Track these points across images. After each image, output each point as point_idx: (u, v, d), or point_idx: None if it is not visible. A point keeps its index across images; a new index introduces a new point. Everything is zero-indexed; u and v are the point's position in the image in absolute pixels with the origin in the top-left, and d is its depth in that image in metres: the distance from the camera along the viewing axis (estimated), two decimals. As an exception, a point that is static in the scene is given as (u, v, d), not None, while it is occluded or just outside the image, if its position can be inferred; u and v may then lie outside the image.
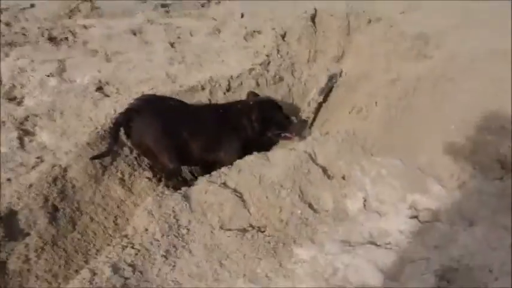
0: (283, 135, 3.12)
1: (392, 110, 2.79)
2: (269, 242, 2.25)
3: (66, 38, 3.86)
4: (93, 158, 2.69)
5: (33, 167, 2.70)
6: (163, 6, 4.49)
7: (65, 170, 2.64)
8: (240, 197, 2.44)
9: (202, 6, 4.52)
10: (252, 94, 3.18)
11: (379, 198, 2.44)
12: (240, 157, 2.75)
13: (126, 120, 2.68)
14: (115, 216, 2.67)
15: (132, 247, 2.22)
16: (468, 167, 2.55)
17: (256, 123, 3.03)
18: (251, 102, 3.07)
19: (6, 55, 3.64)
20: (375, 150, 2.67)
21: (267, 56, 3.44)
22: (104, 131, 2.87)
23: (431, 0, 4.15)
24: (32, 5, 4.49)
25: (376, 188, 2.47)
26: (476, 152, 2.61)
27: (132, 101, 2.77)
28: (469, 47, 3.19)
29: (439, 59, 3.14)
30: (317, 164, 2.57)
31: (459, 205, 2.36)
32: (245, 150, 2.84)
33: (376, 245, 2.23)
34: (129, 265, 2.14)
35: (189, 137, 2.78)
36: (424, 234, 2.25)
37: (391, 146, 2.67)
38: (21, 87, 3.34)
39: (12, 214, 2.47)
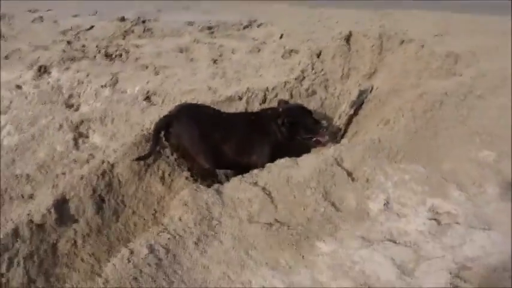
0: (314, 139, 3.27)
1: (417, 121, 2.91)
2: (292, 235, 2.41)
3: (120, 55, 4.26)
4: (137, 159, 2.97)
5: (85, 163, 3.01)
6: (208, 28, 4.85)
7: (113, 166, 2.92)
8: (269, 194, 2.63)
9: (244, 28, 4.84)
10: (283, 102, 3.37)
11: (400, 201, 2.55)
12: (272, 161, 2.94)
13: (165, 125, 2.99)
14: (154, 210, 2.91)
15: (168, 232, 2.43)
16: (491, 175, 2.63)
17: (284, 128, 3.20)
18: (280, 108, 3.27)
19: (67, 68, 4.07)
20: (399, 158, 2.79)
21: (302, 71, 3.66)
22: (149, 133, 3.15)
23: (461, 25, 4.31)
24: (92, 27, 4.98)
25: (398, 192, 2.59)
26: (500, 162, 2.69)
27: (171, 109, 3.07)
28: (499, 67, 3.30)
29: (468, 77, 3.26)
30: (342, 168, 2.72)
31: (478, 210, 2.44)
32: (277, 154, 3.02)
33: (394, 242, 2.34)
34: (164, 247, 2.35)
35: (222, 141, 3.03)
36: (441, 235, 2.34)
37: (415, 154, 2.79)
38: (78, 96, 3.73)
39: (64, 202, 2.77)
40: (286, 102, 3.39)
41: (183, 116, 2.99)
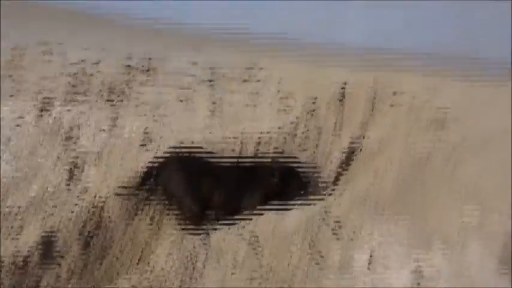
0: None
1: (405, 173, 2.96)
2: (276, 288, 2.41)
3: (121, 100, 4.37)
4: (125, 194, 3.05)
5: (77, 197, 3.06)
6: (209, 80, 4.99)
7: (103, 206, 2.96)
8: (254, 245, 2.65)
9: (244, 81, 4.97)
10: (278, 153, 3.48)
11: (385, 253, 2.56)
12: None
13: (156, 169, 3.10)
14: (141, 252, 2.91)
15: (148, 281, 2.44)
16: (475, 233, 2.64)
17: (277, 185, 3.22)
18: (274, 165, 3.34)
19: (70, 105, 4.15)
20: (386, 212, 2.81)
21: (297, 118, 3.76)
22: (141, 177, 3.21)
23: (452, 86, 4.42)
24: (97, 71, 5.11)
25: (383, 247, 2.60)
26: (484, 225, 2.69)
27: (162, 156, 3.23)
28: (486, 126, 3.36)
29: (455, 133, 3.31)
30: (330, 217, 2.75)
31: (462, 270, 2.44)
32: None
33: (377, 296, 2.34)
34: (146, 290, 2.36)
35: (210, 191, 3.08)
36: (425, 292, 2.34)
37: (401, 207, 2.82)
38: (77, 137, 3.81)
39: (52, 238, 2.80)
40: (281, 152, 3.49)
41: (172, 162, 3.16)
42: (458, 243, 2.58)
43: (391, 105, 3.78)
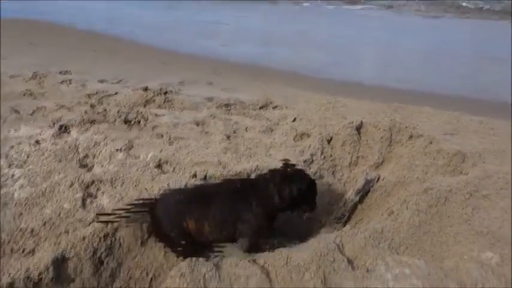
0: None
1: (422, 215, 2.94)
2: (287, 320, 2.37)
3: (139, 122, 4.44)
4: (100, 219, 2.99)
5: (89, 224, 3.05)
6: (226, 105, 5.07)
7: (116, 229, 2.95)
8: (267, 274, 2.62)
9: (260, 108, 5.06)
10: (288, 164, 3.15)
11: (399, 294, 2.52)
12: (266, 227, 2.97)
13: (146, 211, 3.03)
14: (151, 278, 2.88)
15: (161, 304, 2.41)
16: (493, 279, 2.61)
17: (290, 194, 3.00)
18: (288, 170, 3.08)
19: (86, 130, 4.24)
20: (401, 250, 2.79)
21: (311, 155, 3.76)
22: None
23: (470, 126, 4.46)
24: (116, 93, 5.23)
25: (398, 285, 2.56)
26: (502, 266, 2.68)
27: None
28: (504, 169, 3.37)
29: (474, 176, 3.31)
30: (343, 254, 2.72)
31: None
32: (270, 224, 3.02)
33: (390, 338, 2.29)
34: (155, 319, 2.33)
35: (199, 221, 2.91)
36: (439, 336, 2.29)
37: (417, 248, 2.79)
38: (93, 157, 3.85)
39: (63, 261, 2.78)
40: (292, 165, 3.14)
41: (158, 207, 3.01)
42: (475, 287, 2.55)
43: (407, 147, 3.80)
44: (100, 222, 2.97)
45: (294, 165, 3.15)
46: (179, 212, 2.94)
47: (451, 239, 2.86)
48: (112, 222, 2.98)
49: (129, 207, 3.03)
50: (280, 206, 3.02)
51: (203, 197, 2.98)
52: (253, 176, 3.44)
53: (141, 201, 3.09)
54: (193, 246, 2.90)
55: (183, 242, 2.88)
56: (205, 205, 2.93)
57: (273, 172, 3.10)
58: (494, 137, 4.36)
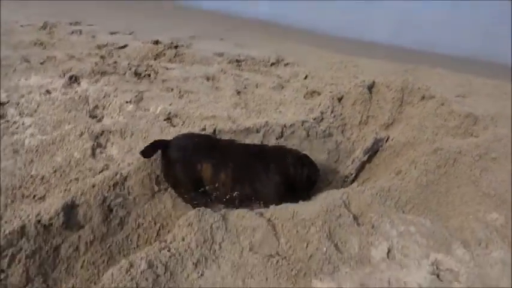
0: None
1: (430, 175, 2.94)
2: (291, 270, 2.41)
3: (149, 75, 4.41)
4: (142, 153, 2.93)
5: (99, 172, 3.09)
6: (237, 61, 5.01)
7: (125, 178, 2.98)
8: (273, 226, 2.65)
9: (272, 65, 5.00)
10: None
11: (403, 252, 2.55)
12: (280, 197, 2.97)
13: (159, 149, 2.97)
14: (159, 227, 2.94)
15: (168, 250, 2.46)
16: (497, 239, 2.63)
17: (303, 174, 3.09)
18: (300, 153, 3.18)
19: (97, 81, 4.22)
20: (407, 208, 2.80)
21: (321, 113, 3.73)
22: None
23: (483, 89, 4.38)
24: (126, 45, 5.18)
25: (402, 242, 2.59)
26: (507, 227, 2.69)
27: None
28: (516, 132, 3.33)
29: (484, 139, 3.29)
30: (349, 211, 2.74)
31: (481, 271, 2.43)
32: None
33: (392, 292, 2.34)
34: (163, 264, 2.37)
35: (216, 168, 2.88)
36: (441, 291, 2.33)
37: (423, 207, 2.80)
38: (102, 108, 3.85)
39: (73, 207, 2.82)
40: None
41: (173, 145, 2.94)
42: (478, 249, 2.57)
43: (419, 108, 3.75)
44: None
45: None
46: (196, 153, 2.89)
47: (457, 199, 2.87)
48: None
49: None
50: (291, 180, 3.07)
51: (223, 147, 2.98)
52: (262, 133, 3.45)
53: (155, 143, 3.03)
54: (203, 195, 2.92)
55: (198, 191, 2.89)
56: (225, 155, 2.91)
57: (288, 149, 3.19)
58: (507, 101, 4.29)
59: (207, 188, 2.92)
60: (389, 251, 2.56)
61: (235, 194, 2.95)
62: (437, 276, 2.43)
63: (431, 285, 2.36)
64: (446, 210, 2.81)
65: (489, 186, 2.91)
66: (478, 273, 2.42)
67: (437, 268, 2.47)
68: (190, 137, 3.10)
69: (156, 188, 3.03)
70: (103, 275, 2.67)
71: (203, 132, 3.41)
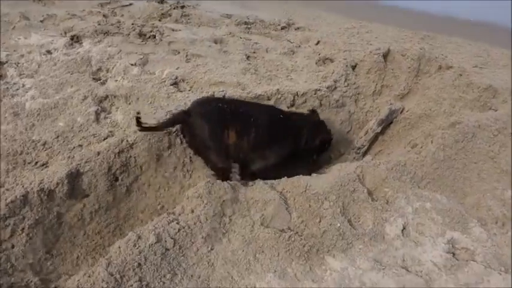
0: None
1: (447, 149, 2.83)
2: (304, 246, 2.34)
3: (154, 36, 4.22)
4: (142, 128, 2.79)
5: (104, 139, 2.97)
6: (246, 23, 4.80)
7: (131, 146, 2.87)
8: (285, 200, 2.56)
9: (282, 29, 4.80)
10: (313, 112, 3.25)
11: (418, 229, 2.47)
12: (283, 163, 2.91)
13: (181, 120, 2.84)
14: (167, 197, 2.86)
15: (177, 223, 2.38)
16: (512, 218, 2.55)
17: (316, 143, 3.11)
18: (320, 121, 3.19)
19: (100, 42, 4.04)
20: (423, 184, 2.71)
21: (335, 81, 3.58)
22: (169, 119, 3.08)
23: (501, 60, 4.22)
24: (130, 4, 4.96)
25: (417, 219, 2.51)
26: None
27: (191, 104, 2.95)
28: (535, 107, 3.21)
29: (504, 113, 3.17)
30: (363, 185, 2.65)
31: (498, 250, 2.37)
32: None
33: (407, 270, 2.27)
34: (172, 238, 2.30)
35: (240, 134, 2.79)
36: (457, 270, 2.26)
37: (439, 183, 2.71)
38: (106, 71, 3.70)
39: (78, 175, 2.72)
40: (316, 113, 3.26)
41: (195, 113, 2.80)
42: (495, 228, 2.50)
43: (436, 79, 3.61)
44: (142, 130, 2.80)
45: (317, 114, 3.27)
46: (222, 119, 2.77)
47: (474, 175, 2.78)
48: (152, 131, 2.86)
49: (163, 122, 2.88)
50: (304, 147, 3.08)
51: (246, 112, 2.88)
52: (273, 101, 3.32)
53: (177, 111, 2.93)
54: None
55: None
56: (248, 121, 2.82)
57: (307, 116, 3.19)
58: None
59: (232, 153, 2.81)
60: (404, 228, 2.48)
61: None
62: (453, 254, 2.37)
63: (447, 264, 2.30)
64: (463, 186, 2.72)
65: (507, 163, 2.80)
66: (495, 253, 2.36)
67: (453, 247, 2.40)
68: (213, 101, 3.02)
69: (163, 155, 2.92)
70: (109, 245, 2.64)
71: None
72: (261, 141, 2.85)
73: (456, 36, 4.88)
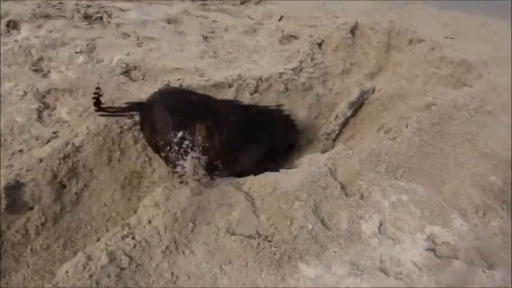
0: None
1: (423, 134, 2.66)
2: (274, 254, 2.14)
3: (101, 18, 3.82)
4: (101, 110, 2.56)
5: (47, 142, 2.64)
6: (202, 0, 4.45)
7: (78, 149, 2.57)
8: (252, 201, 2.34)
9: (242, 3, 4.47)
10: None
11: (396, 225, 2.31)
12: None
13: (139, 110, 2.59)
14: (122, 203, 2.58)
15: (133, 238, 2.13)
16: (495, 205, 2.42)
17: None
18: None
19: (39, 26, 3.62)
20: (399, 174, 2.54)
21: (300, 62, 3.32)
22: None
23: (471, 28, 4.06)
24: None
25: (395, 214, 2.34)
26: (506, 192, 2.48)
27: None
28: (509, 80, 3.09)
29: (479, 89, 3.03)
30: (336, 180, 2.45)
31: (480, 244, 2.23)
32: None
33: (385, 273, 2.11)
34: (127, 255, 2.06)
35: (210, 132, 2.43)
36: (438, 271, 2.11)
37: (416, 171, 2.55)
38: (48, 61, 3.31)
39: (18, 186, 2.40)
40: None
41: (158, 105, 2.54)
42: (476, 218, 2.36)
43: (407, 54, 3.40)
44: (101, 115, 2.57)
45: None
46: (189, 114, 2.49)
47: (452, 160, 2.63)
48: (111, 115, 2.62)
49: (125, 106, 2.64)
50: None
51: (214, 108, 2.67)
52: (235, 87, 3.05)
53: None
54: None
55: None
56: (219, 117, 2.58)
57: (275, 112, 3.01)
58: (498, 41, 3.98)
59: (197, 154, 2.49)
60: (381, 224, 2.31)
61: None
62: (434, 251, 2.21)
63: (427, 263, 2.15)
64: (440, 173, 2.57)
65: (486, 145, 2.67)
66: (477, 247, 2.22)
67: (433, 242, 2.26)
68: (177, 93, 2.79)
69: (116, 159, 2.63)
70: (60, 260, 2.37)
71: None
72: (234, 140, 2.61)
73: (424, 5, 4.68)
